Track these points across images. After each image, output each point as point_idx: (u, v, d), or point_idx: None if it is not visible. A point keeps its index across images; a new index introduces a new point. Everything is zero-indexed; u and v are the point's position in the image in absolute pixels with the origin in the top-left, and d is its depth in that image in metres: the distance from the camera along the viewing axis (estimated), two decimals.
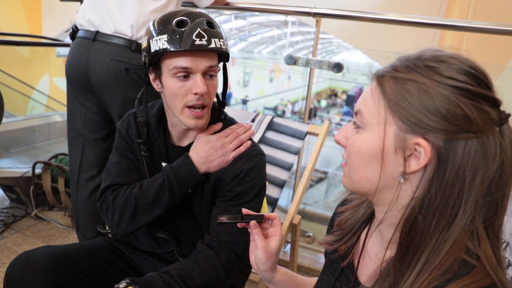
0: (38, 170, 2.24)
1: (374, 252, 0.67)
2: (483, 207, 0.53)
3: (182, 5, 1.65)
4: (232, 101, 14.87)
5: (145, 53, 0.97)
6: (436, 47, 0.57)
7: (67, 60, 1.59)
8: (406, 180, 0.56)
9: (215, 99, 1.07)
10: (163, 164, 1.10)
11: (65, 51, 1.62)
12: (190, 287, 0.94)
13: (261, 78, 18.52)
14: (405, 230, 0.56)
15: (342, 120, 15.32)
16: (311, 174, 1.58)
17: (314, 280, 0.85)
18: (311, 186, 8.29)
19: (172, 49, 0.91)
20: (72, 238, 2.11)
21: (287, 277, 0.83)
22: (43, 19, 5.74)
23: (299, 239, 1.64)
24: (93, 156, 1.68)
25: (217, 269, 0.98)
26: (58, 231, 2.16)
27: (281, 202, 2.10)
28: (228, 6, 1.88)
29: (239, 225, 0.78)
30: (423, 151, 0.53)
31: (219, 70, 1.02)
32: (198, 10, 0.98)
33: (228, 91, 1.10)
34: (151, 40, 0.94)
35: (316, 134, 1.60)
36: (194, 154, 1.02)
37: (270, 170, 1.57)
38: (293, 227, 1.58)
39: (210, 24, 0.94)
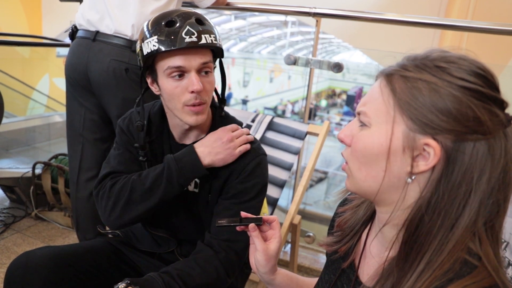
0: (38, 171, 2.24)
1: (375, 252, 0.67)
2: (486, 208, 0.53)
3: (182, 5, 1.65)
4: (232, 101, 14.86)
5: (139, 57, 0.97)
6: (441, 48, 0.57)
7: (66, 60, 1.58)
8: (413, 180, 0.55)
9: (215, 96, 1.07)
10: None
11: (65, 51, 1.62)
12: (190, 287, 0.94)
13: (261, 78, 18.51)
14: (410, 230, 0.56)
15: (342, 120, 15.32)
16: (311, 174, 1.58)
17: (314, 280, 0.85)
18: (311, 186, 8.28)
19: (163, 49, 0.91)
20: (72, 238, 2.11)
21: (288, 279, 0.83)
22: (43, 19, 5.73)
23: (299, 239, 1.64)
24: (92, 156, 1.68)
25: (217, 269, 0.98)
26: (58, 232, 2.16)
27: (281, 202, 2.10)
28: (228, 7, 1.88)
29: (238, 228, 0.77)
30: (432, 152, 0.53)
31: (215, 67, 1.02)
32: (190, 9, 0.98)
33: (228, 91, 1.10)
34: (143, 44, 0.94)
35: (316, 134, 1.60)
36: (199, 145, 1.00)
37: (270, 170, 1.57)
38: (293, 227, 1.57)
39: (199, 20, 0.94)
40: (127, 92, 1.49)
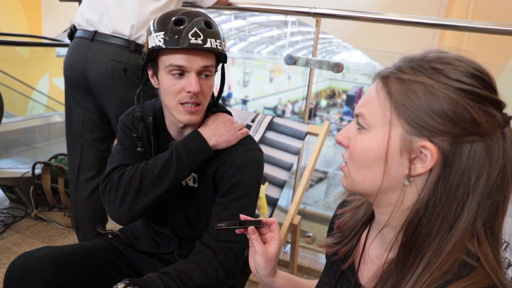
0: (38, 171, 2.23)
1: (375, 253, 0.67)
2: (484, 209, 0.53)
3: (184, 5, 1.64)
4: (232, 101, 14.87)
5: (144, 49, 0.98)
6: (439, 48, 0.57)
7: (65, 61, 1.58)
8: (411, 183, 0.55)
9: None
10: None
11: (65, 51, 1.62)
12: None
13: (261, 78, 18.52)
14: (409, 232, 0.56)
15: (342, 120, 15.32)
16: (311, 174, 1.58)
17: (314, 282, 0.85)
18: (311, 186, 8.29)
19: (168, 47, 0.91)
20: (72, 238, 2.11)
21: (287, 281, 0.83)
22: (43, 19, 5.73)
23: (299, 239, 1.64)
24: (92, 156, 1.67)
25: (216, 270, 0.98)
26: (58, 232, 2.16)
27: (281, 202, 2.10)
28: (229, 6, 1.88)
29: (237, 231, 0.77)
30: (429, 154, 0.52)
31: (216, 71, 1.02)
32: (201, 11, 0.98)
33: (228, 91, 1.11)
34: (149, 37, 0.95)
35: (316, 134, 1.60)
36: (203, 128, 1.03)
37: (270, 170, 1.57)
38: (293, 228, 1.57)
39: (208, 24, 0.94)
40: (126, 92, 1.49)
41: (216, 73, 1.05)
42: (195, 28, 0.91)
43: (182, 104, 0.97)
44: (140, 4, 1.46)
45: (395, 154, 0.55)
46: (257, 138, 1.64)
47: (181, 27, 0.92)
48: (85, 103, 1.61)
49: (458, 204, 0.52)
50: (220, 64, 1.05)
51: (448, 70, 0.52)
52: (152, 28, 0.95)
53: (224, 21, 11.65)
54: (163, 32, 0.92)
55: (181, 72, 0.94)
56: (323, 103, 18.51)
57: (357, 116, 0.60)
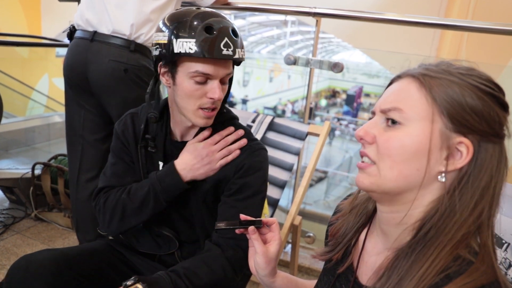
0: (37, 171, 2.23)
1: (376, 251, 0.67)
2: (492, 208, 0.56)
3: (182, 4, 1.64)
4: (232, 100, 14.86)
5: (161, 49, 0.94)
6: (459, 60, 0.61)
7: (65, 61, 1.58)
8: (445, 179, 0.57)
9: None
10: (160, 163, 1.09)
11: (65, 51, 1.61)
12: (196, 286, 0.94)
13: (261, 77, 18.52)
14: (426, 224, 0.57)
15: (341, 119, 15.31)
16: (312, 174, 1.57)
17: (314, 283, 0.85)
18: (311, 185, 8.29)
19: (200, 56, 0.91)
20: (72, 239, 2.11)
21: (287, 281, 0.83)
22: (42, 20, 5.73)
23: (299, 239, 1.64)
24: (92, 157, 1.67)
25: (223, 267, 0.98)
26: (58, 232, 2.15)
27: (282, 202, 2.10)
28: (228, 6, 1.87)
29: (237, 231, 0.77)
30: (465, 150, 0.55)
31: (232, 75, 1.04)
32: (226, 17, 0.97)
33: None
34: (174, 40, 0.91)
35: (316, 135, 1.60)
36: (180, 162, 1.03)
37: (271, 170, 1.56)
38: (293, 228, 1.57)
39: (234, 32, 0.95)
40: (126, 92, 1.49)
41: None
42: (226, 39, 0.92)
43: (202, 109, 0.98)
44: (140, 3, 1.46)
45: (435, 149, 0.56)
46: (257, 138, 1.63)
47: (212, 35, 0.91)
48: (86, 104, 1.60)
49: (476, 198, 0.55)
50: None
51: (475, 76, 0.57)
52: (173, 30, 0.92)
53: None
54: (194, 40, 0.90)
55: (206, 79, 0.95)
56: (323, 102, 18.51)
57: (387, 111, 0.59)
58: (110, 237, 1.18)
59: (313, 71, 1.89)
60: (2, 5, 5.42)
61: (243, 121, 1.40)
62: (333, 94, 20.86)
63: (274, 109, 16.31)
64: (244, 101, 15.57)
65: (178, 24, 0.92)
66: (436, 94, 0.56)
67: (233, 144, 1.05)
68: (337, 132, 13.47)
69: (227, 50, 0.92)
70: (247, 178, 1.02)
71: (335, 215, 0.79)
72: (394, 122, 0.58)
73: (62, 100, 1.68)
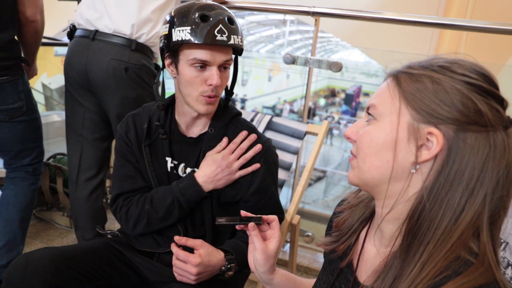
0: None
1: (374, 250, 0.68)
2: (491, 202, 0.54)
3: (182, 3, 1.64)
4: (233, 99, 14.82)
5: (164, 40, 1.01)
6: (444, 54, 0.60)
7: (65, 60, 1.57)
8: (417, 171, 0.57)
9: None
10: (167, 159, 1.11)
11: (63, 50, 1.61)
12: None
13: (260, 77, 18.52)
14: (413, 220, 0.57)
15: (340, 118, 15.33)
16: (310, 173, 1.58)
17: (312, 281, 0.85)
18: (309, 185, 8.29)
19: (194, 42, 0.95)
20: (71, 238, 2.11)
21: (286, 279, 0.83)
22: None
23: (298, 239, 1.64)
24: (92, 156, 1.67)
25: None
26: (56, 231, 2.15)
27: (280, 201, 2.10)
28: (227, 6, 1.87)
29: (237, 227, 0.78)
30: (435, 140, 0.55)
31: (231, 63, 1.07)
32: (223, 6, 1.02)
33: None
34: (173, 30, 0.97)
35: (315, 134, 1.60)
36: (201, 175, 1.06)
37: None
38: (292, 227, 1.57)
39: (231, 20, 0.99)
40: (127, 92, 1.49)
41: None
42: (220, 25, 0.96)
43: (203, 96, 1.01)
44: (140, 3, 1.46)
45: (402, 141, 0.57)
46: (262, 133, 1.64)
47: (207, 23, 0.95)
48: (86, 102, 1.60)
49: (462, 193, 0.54)
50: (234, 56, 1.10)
51: (454, 67, 0.56)
52: (173, 21, 0.98)
53: None
54: (189, 27, 0.95)
55: (204, 65, 0.99)
56: (322, 102, 18.52)
57: (368, 108, 0.63)
58: (109, 236, 1.18)
59: (312, 70, 1.89)
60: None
61: None
62: (332, 93, 20.87)
63: (273, 108, 16.32)
64: (243, 101, 15.57)
65: (178, 15, 0.98)
66: (405, 88, 0.58)
67: (248, 150, 1.09)
68: (335, 131, 13.48)
69: (221, 36, 0.95)
70: (267, 177, 1.09)
71: (340, 206, 0.78)
72: (371, 117, 0.62)
73: (61, 99, 1.68)
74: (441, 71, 0.56)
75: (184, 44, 0.98)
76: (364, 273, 0.68)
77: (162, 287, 1.06)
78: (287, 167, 1.55)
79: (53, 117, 3.31)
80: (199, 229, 1.14)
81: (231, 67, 1.08)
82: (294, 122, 1.64)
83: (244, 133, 1.09)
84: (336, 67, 1.73)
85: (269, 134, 1.63)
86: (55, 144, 3.11)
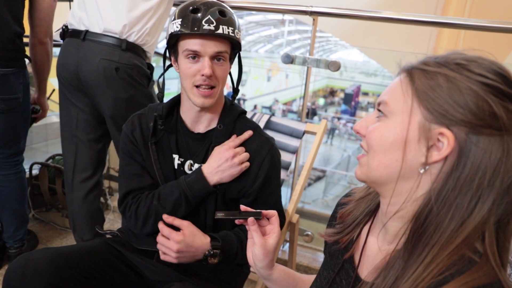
0: (35, 171, 2.23)
1: (377, 247, 0.67)
2: (499, 207, 0.53)
3: (175, 4, 1.65)
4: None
5: (166, 37, 1.06)
6: (462, 50, 0.58)
7: (57, 61, 1.57)
8: (426, 171, 0.56)
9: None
10: (174, 156, 1.12)
11: (58, 51, 1.61)
12: (232, 255, 1.07)
13: (259, 77, 18.51)
14: (419, 221, 0.56)
15: (339, 118, 15.33)
16: (309, 173, 1.58)
17: (312, 277, 0.85)
18: (309, 184, 8.29)
19: (182, 31, 0.98)
20: (70, 239, 2.10)
21: (285, 274, 0.83)
22: None
23: (297, 238, 1.64)
24: (87, 157, 1.66)
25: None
26: (56, 232, 2.15)
27: None
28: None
29: (237, 221, 0.78)
30: (446, 142, 0.53)
31: (233, 59, 1.10)
32: (217, 2, 1.04)
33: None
34: (170, 24, 1.02)
35: (314, 133, 1.60)
36: (206, 166, 1.08)
37: None
38: (291, 226, 1.57)
39: (222, 12, 1.01)
40: (118, 92, 1.48)
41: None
42: (209, 16, 0.98)
43: (197, 87, 1.02)
44: (132, 3, 1.45)
45: (413, 141, 0.56)
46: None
47: (197, 14, 0.98)
48: (79, 103, 1.60)
49: (472, 198, 0.53)
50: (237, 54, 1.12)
51: (472, 66, 0.54)
52: (174, 16, 1.03)
53: None
54: (180, 19, 0.99)
55: (195, 55, 1.00)
56: (321, 101, 18.53)
57: (379, 104, 0.61)
58: (108, 236, 1.18)
59: (310, 70, 1.89)
60: None
61: None
62: (331, 93, 20.87)
63: (269, 108, 16.35)
64: (242, 101, 15.56)
65: (177, 11, 1.02)
66: (418, 86, 0.56)
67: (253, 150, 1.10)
68: (336, 132, 13.50)
69: (209, 25, 0.97)
70: (271, 172, 1.10)
71: (346, 197, 0.78)
72: (381, 114, 0.61)
73: (57, 100, 1.68)
74: (458, 70, 0.54)
75: (179, 38, 1.01)
76: (366, 269, 0.67)
77: (162, 286, 1.06)
78: (286, 167, 1.55)
79: (51, 118, 3.30)
80: (201, 227, 1.14)
81: (234, 64, 1.11)
82: (292, 121, 1.64)
83: (249, 132, 1.11)
84: (334, 66, 1.73)
85: (268, 133, 1.63)
86: (54, 145, 3.10)
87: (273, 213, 0.80)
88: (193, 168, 1.13)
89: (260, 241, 0.76)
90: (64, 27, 1.59)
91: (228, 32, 1.00)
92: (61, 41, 1.61)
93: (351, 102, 15.66)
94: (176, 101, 1.14)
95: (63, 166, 1.74)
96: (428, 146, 0.55)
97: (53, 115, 3.20)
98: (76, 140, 1.64)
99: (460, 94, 0.53)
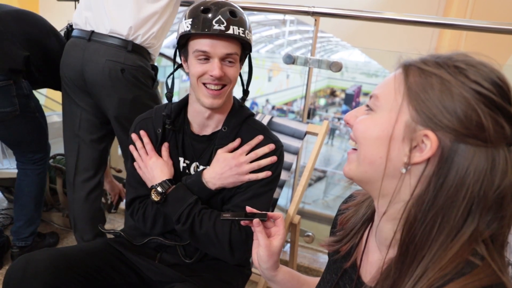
0: None
1: (377, 250, 0.67)
2: (492, 221, 0.52)
3: (181, 6, 1.64)
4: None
5: (177, 37, 1.04)
6: (467, 52, 0.57)
7: (61, 60, 1.57)
8: (408, 173, 0.55)
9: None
10: (180, 158, 1.12)
11: None
12: (194, 231, 1.03)
13: (260, 77, 18.51)
14: (406, 228, 0.56)
15: (340, 119, 15.33)
16: (311, 173, 1.57)
17: (316, 279, 0.85)
18: (310, 185, 8.28)
19: (192, 32, 0.97)
20: (70, 239, 2.10)
21: (289, 276, 0.83)
22: None
23: (298, 238, 1.64)
24: (89, 157, 1.67)
25: (223, 234, 1.02)
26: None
27: (281, 202, 2.10)
28: None
29: (242, 222, 0.78)
30: (429, 144, 0.53)
31: (243, 60, 1.08)
32: (229, 2, 1.03)
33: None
34: (180, 24, 1.01)
35: (315, 134, 1.60)
36: (209, 171, 1.07)
37: None
38: (292, 227, 1.57)
39: (233, 13, 0.99)
40: (123, 93, 1.48)
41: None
42: (219, 16, 0.97)
43: (204, 85, 1.01)
44: (138, 5, 1.45)
45: (397, 139, 0.55)
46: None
47: (208, 14, 0.97)
48: (82, 103, 1.60)
49: (459, 208, 0.52)
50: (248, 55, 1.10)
51: (469, 71, 0.53)
52: (184, 16, 1.01)
53: None
54: (191, 19, 0.98)
55: (206, 57, 0.99)
56: (322, 102, 18.52)
57: (371, 97, 0.61)
58: (109, 236, 1.18)
59: (312, 70, 1.89)
60: None
61: None
62: (332, 93, 20.86)
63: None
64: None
65: (188, 11, 1.01)
66: (411, 84, 0.55)
67: (263, 157, 1.08)
68: (337, 132, 13.50)
69: (219, 25, 0.96)
70: (275, 174, 1.09)
71: (346, 203, 0.78)
72: (370, 108, 0.60)
73: (60, 100, 1.68)
74: (454, 73, 0.53)
75: (190, 38, 1.00)
76: (368, 273, 0.67)
77: (163, 287, 1.06)
78: (288, 167, 1.55)
79: (52, 118, 3.30)
80: None
81: (244, 66, 1.10)
82: (294, 122, 1.64)
83: (260, 137, 1.09)
84: (336, 67, 1.73)
85: None
86: (54, 145, 3.09)
87: (278, 215, 0.79)
88: (199, 170, 1.12)
89: (265, 243, 0.76)
90: (68, 27, 1.59)
91: (239, 32, 0.98)
92: (66, 40, 1.61)
93: (352, 102, 15.66)
94: (185, 102, 1.13)
95: (65, 166, 1.74)
96: (412, 146, 0.54)
97: (54, 115, 3.20)
98: (79, 140, 1.65)
99: (451, 100, 0.52)
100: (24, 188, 1.81)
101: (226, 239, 1.02)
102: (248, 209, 0.79)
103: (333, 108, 19.28)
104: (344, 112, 15.67)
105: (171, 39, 2.68)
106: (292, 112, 16.46)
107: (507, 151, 0.52)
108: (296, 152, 1.58)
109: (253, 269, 1.38)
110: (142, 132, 1.12)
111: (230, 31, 0.97)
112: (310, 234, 2.09)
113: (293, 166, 1.65)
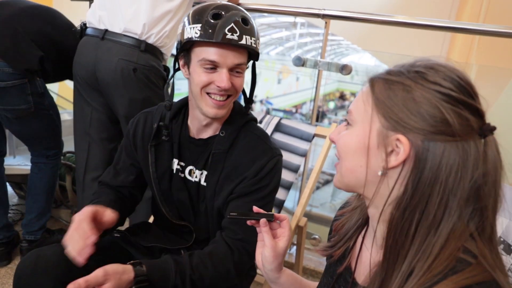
0: None
1: (373, 253, 0.68)
2: (474, 213, 0.54)
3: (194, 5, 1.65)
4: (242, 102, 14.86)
5: (179, 39, 0.98)
6: (430, 57, 0.60)
7: (74, 59, 1.59)
8: (386, 176, 0.58)
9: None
10: (174, 160, 1.11)
11: None
12: (197, 284, 0.95)
13: (269, 79, 18.50)
14: (388, 228, 0.59)
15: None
16: (318, 176, 1.57)
17: (316, 284, 0.85)
18: (317, 188, 8.22)
19: (203, 39, 0.91)
20: None
21: (292, 279, 0.83)
22: None
23: (305, 241, 1.63)
24: (99, 156, 1.68)
25: (228, 270, 0.99)
26: (65, 229, 2.17)
27: (288, 204, 2.10)
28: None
29: (248, 222, 0.79)
30: (402, 147, 0.55)
31: (247, 68, 1.02)
32: (239, 7, 0.98)
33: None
34: (185, 28, 0.95)
35: (323, 136, 1.60)
36: None
37: None
38: (299, 229, 1.57)
39: (245, 20, 0.94)
40: (135, 92, 1.50)
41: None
42: (232, 24, 0.91)
43: (208, 94, 0.97)
44: (153, 4, 1.46)
45: (373, 147, 0.59)
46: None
47: (218, 21, 0.91)
48: (94, 102, 1.61)
49: (436, 203, 0.54)
50: (251, 62, 1.05)
51: (428, 74, 0.56)
52: (187, 20, 0.95)
53: None
54: (200, 25, 0.92)
55: (213, 66, 0.94)
56: (331, 105, 18.45)
57: (347, 113, 0.65)
58: (116, 234, 1.19)
59: (321, 73, 1.89)
60: None
61: None
62: (341, 96, 20.77)
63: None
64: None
65: (193, 13, 0.95)
66: (377, 95, 0.59)
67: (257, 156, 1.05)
68: None
69: (232, 34, 0.91)
70: (262, 183, 1.02)
71: (341, 210, 0.80)
72: (348, 123, 0.64)
73: (71, 98, 1.70)
74: (414, 78, 0.56)
75: (195, 44, 0.95)
76: (363, 275, 0.69)
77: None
78: (295, 169, 1.55)
79: (64, 116, 3.34)
80: (204, 232, 1.14)
81: (247, 74, 1.04)
82: (302, 124, 1.64)
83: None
84: (346, 70, 1.73)
85: (278, 136, 1.63)
86: (65, 143, 3.13)
87: (284, 217, 0.80)
88: (194, 175, 1.10)
89: (271, 243, 0.77)
90: (82, 25, 1.61)
91: (251, 42, 0.93)
92: (79, 39, 1.63)
93: None
94: (185, 103, 1.10)
95: (75, 164, 1.76)
96: (387, 152, 0.57)
97: (65, 113, 3.24)
98: (89, 138, 1.66)
99: (414, 103, 0.55)
100: (37, 181, 1.86)
101: (233, 274, 1.00)
102: (255, 209, 0.79)
103: (342, 112, 19.16)
104: None
105: None
106: (302, 114, 16.41)
107: (479, 142, 0.54)
108: (304, 154, 1.57)
109: (258, 271, 1.37)
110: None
111: (243, 41, 0.92)
112: (316, 237, 2.08)
113: (301, 168, 1.65)
